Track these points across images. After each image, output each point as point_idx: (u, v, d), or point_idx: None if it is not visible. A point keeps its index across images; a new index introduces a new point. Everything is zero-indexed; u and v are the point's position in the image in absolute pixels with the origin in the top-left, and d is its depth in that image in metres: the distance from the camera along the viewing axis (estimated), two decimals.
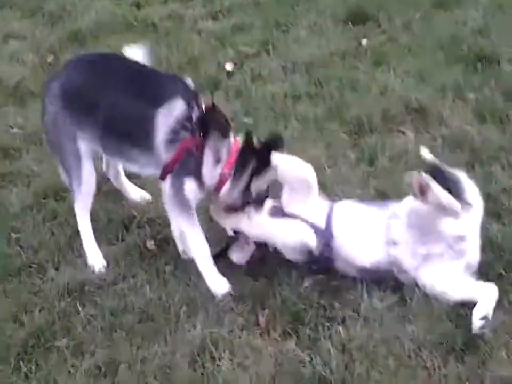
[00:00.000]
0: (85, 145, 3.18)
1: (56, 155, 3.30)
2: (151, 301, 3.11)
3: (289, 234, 3.09)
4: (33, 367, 2.85)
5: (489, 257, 3.10)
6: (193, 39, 5.55)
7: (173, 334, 2.93)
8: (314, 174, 3.20)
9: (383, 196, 3.66)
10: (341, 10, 5.65)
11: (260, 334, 2.93)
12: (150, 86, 3.06)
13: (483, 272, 3.02)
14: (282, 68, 5.06)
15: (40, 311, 3.12)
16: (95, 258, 3.34)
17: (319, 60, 5.04)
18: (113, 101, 3.05)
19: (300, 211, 3.15)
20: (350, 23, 5.49)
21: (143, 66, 3.25)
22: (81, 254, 3.46)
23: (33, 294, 3.24)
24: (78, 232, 3.47)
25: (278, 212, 3.19)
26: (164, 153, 3.02)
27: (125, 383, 2.72)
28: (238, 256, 3.23)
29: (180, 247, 3.33)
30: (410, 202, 3.05)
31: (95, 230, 3.51)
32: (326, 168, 3.95)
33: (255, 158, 3.05)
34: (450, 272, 2.93)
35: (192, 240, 3.12)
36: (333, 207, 3.17)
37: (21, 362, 2.87)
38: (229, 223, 3.22)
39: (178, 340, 2.90)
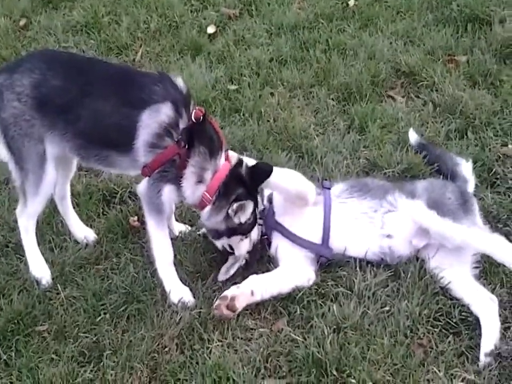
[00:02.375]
0: (52, 148, 2.90)
1: (11, 153, 2.93)
2: (135, 281, 3.00)
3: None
4: (13, 354, 2.73)
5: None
6: (172, 1, 5.28)
7: (160, 315, 2.82)
8: (313, 188, 3.02)
9: (373, 166, 3.56)
10: None
11: (250, 313, 2.83)
12: (137, 88, 2.84)
13: None
14: (266, 30, 4.85)
15: (18, 294, 2.99)
16: (41, 271, 3.07)
17: (304, 22, 4.83)
18: (96, 103, 2.81)
19: (292, 225, 3.03)
20: None
21: (129, 68, 2.92)
22: (60, 233, 3.31)
23: (11, 276, 3.10)
24: (56, 209, 3.32)
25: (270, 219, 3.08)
26: (143, 157, 2.82)
27: (111, 370, 2.61)
28: (223, 274, 3.06)
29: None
30: None
31: (75, 206, 3.37)
32: (315, 136, 3.81)
33: (240, 187, 2.86)
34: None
35: (155, 244, 2.92)
36: (328, 215, 3.02)
37: (0, 349, 2.75)
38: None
39: (166, 322, 2.78)
